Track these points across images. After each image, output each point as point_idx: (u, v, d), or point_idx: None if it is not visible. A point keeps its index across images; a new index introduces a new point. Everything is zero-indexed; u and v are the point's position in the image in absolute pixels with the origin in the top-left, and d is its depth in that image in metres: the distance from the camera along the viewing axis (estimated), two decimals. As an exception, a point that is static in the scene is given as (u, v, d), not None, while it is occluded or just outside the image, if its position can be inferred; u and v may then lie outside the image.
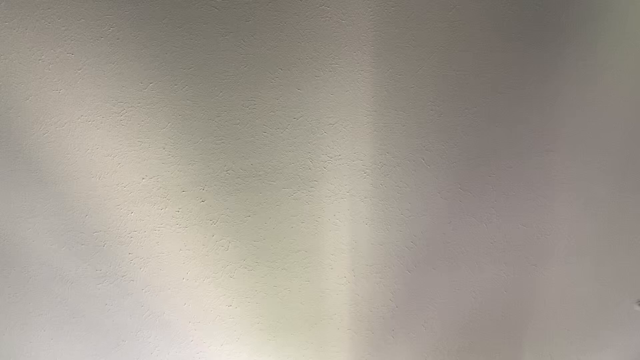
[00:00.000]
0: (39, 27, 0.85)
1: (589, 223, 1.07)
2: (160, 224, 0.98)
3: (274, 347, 1.05)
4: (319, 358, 1.08)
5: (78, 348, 1.04)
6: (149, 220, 0.98)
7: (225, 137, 0.94)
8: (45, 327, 1.02)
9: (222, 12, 0.88)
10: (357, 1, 0.89)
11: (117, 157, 0.94)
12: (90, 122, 0.92)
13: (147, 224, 0.98)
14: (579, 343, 1.14)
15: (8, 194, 0.94)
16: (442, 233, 1.03)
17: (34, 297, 1.01)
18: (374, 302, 1.06)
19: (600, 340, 1.15)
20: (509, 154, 1.00)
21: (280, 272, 1.02)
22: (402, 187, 1.00)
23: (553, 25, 0.94)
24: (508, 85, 0.96)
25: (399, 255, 1.04)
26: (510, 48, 0.94)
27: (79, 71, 0.89)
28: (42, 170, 0.93)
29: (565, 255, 1.08)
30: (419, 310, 1.07)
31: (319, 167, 0.97)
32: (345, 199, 0.99)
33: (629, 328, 1.16)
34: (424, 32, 0.92)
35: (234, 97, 0.92)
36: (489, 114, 0.97)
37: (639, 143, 1.05)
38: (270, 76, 0.92)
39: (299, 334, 1.06)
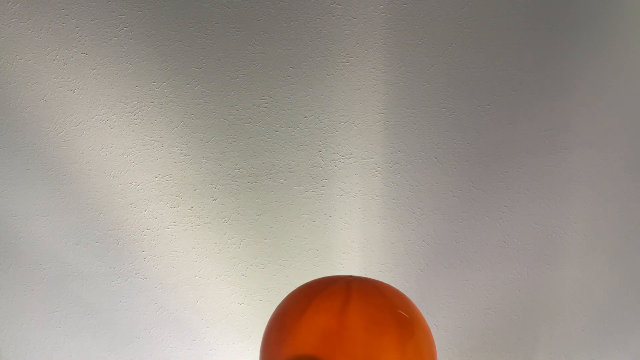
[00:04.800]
0: (54, 27, 0.87)
1: (605, 222, 1.05)
2: (173, 222, 0.99)
3: (285, 345, 1.05)
4: (330, 356, 1.08)
5: (92, 344, 1.05)
6: (162, 218, 0.98)
7: (236, 136, 0.95)
8: (60, 324, 1.04)
9: (234, 11, 0.88)
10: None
11: (130, 156, 0.95)
12: (104, 122, 0.93)
13: (160, 222, 0.99)
14: (594, 343, 1.12)
15: (23, 193, 0.96)
16: (455, 232, 1.02)
17: (49, 294, 1.02)
18: (385, 300, 1.05)
19: (615, 341, 1.13)
20: (523, 152, 0.99)
21: (292, 270, 1.02)
22: (414, 185, 0.99)
23: (567, 21, 0.92)
24: (521, 83, 0.95)
25: (410, 254, 1.03)
26: (523, 45, 0.93)
27: (93, 71, 0.90)
28: (57, 169, 0.95)
29: (580, 255, 1.06)
30: (431, 309, 1.07)
31: (331, 165, 0.97)
32: (357, 198, 0.99)
33: (646, 329, 1.15)
34: (436, 30, 0.91)
35: (245, 96, 0.93)
36: (502, 111, 0.96)
37: (657, 140, 1.03)
38: (281, 75, 0.92)
39: (310, 332, 1.06)
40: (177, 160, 0.95)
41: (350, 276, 0.67)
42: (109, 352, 1.06)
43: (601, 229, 1.05)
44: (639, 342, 1.14)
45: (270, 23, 0.89)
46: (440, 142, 0.97)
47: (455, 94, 0.95)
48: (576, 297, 1.09)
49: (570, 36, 0.93)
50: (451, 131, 0.97)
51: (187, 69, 0.91)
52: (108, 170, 0.95)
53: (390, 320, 0.59)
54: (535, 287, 1.07)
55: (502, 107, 0.96)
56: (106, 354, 1.06)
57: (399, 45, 0.92)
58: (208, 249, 1.00)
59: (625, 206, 1.05)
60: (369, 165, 0.98)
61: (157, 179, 0.96)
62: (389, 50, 0.92)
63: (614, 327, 1.12)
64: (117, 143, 0.94)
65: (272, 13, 0.89)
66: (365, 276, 0.69)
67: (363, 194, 0.99)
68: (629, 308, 1.12)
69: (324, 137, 0.96)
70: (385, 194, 0.99)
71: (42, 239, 0.99)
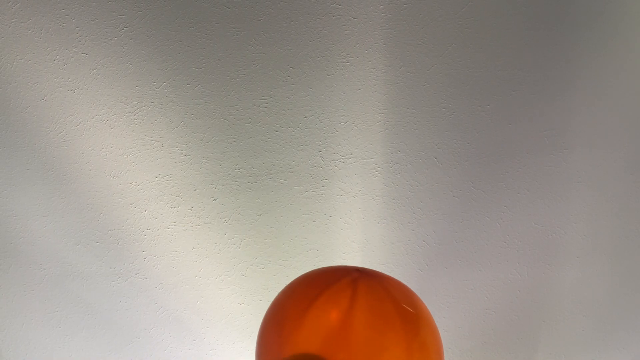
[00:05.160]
0: (54, 27, 0.87)
1: (605, 222, 1.05)
2: (174, 222, 0.99)
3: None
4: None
5: (92, 344, 1.05)
6: (162, 218, 0.98)
7: (236, 136, 0.95)
8: (61, 324, 1.04)
9: (234, 11, 0.88)
10: (368, -1, 0.89)
11: (130, 156, 0.95)
12: (104, 122, 0.92)
13: (160, 222, 0.99)
14: (594, 343, 1.12)
15: (24, 193, 0.96)
16: (455, 232, 1.02)
17: (50, 294, 1.02)
18: (385, 300, 1.05)
19: (616, 341, 1.13)
20: (523, 152, 0.99)
21: (292, 270, 1.02)
22: (414, 185, 0.99)
23: (567, 21, 0.92)
24: (521, 83, 0.95)
25: (410, 254, 1.03)
26: (523, 45, 0.93)
27: (93, 71, 0.90)
28: (57, 169, 0.95)
29: (581, 255, 1.06)
30: (431, 309, 1.06)
31: (331, 165, 0.97)
32: (357, 198, 0.99)
33: (646, 329, 1.15)
34: (436, 30, 0.91)
35: (246, 96, 0.93)
36: (502, 111, 0.96)
37: (657, 140, 1.03)
38: (281, 75, 0.92)
39: (310, 332, 1.05)
40: (177, 160, 0.95)
41: (356, 270, 0.64)
42: (109, 352, 1.06)
43: (601, 229, 1.05)
44: (639, 342, 1.14)
45: (270, 23, 0.89)
46: (440, 142, 0.97)
47: (455, 94, 0.95)
48: (576, 297, 1.09)
49: (570, 36, 0.93)
50: (451, 131, 0.97)
51: (187, 69, 0.91)
52: (108, 170, 0.95)
53: (395, 317, 0.58)
54: (535, 287, 1.07)
55: (502, 107, 0.96)
56: (106, 354, 1.06)
57: (399, 45, 0.92)
58: (208, 249, 1.00)
59: (625, 206, 1.05)
60: (369, 165, 0.98)
61: (157, 179, 0.96)
62: (389, 50, 0.92)
63: (614, 327, 1.12)
64: (117, 143, 0.94)
65: (272, 13, 0.89)
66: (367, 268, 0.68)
67: (363, 194, 0.99)
68: (629, 308, 1.12)
69: (324, 137, 0.96)
70: (385, 194, 0.99)
71: (42, 239, 0.98)
